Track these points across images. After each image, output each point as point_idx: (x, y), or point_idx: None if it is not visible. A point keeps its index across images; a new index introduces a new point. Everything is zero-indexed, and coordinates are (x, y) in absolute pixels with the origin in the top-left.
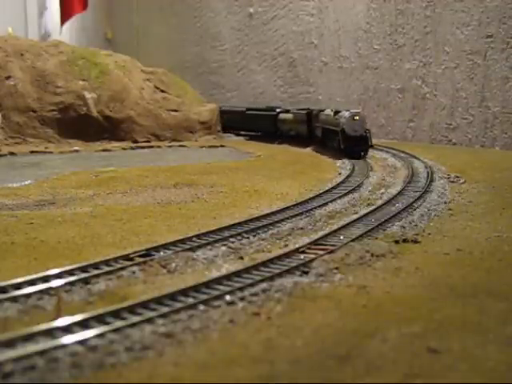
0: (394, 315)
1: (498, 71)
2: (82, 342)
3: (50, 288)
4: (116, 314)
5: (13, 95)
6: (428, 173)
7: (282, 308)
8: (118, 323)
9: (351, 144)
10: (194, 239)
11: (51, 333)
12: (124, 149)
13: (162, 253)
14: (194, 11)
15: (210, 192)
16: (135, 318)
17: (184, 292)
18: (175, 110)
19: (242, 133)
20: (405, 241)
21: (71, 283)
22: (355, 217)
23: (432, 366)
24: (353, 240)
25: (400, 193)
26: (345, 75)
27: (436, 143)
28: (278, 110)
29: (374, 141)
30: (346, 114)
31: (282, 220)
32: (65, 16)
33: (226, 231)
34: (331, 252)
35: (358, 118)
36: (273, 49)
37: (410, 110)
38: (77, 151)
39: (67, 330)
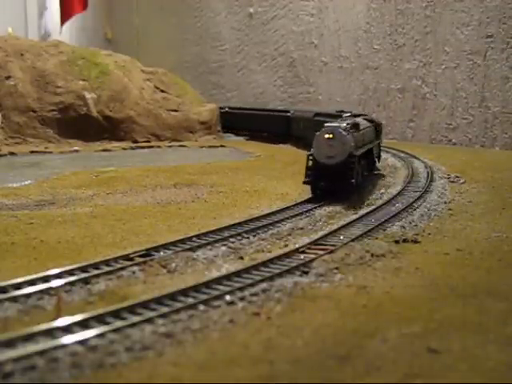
0: (393, 315)
1: (498, 71)
2: (82, 342)
3: (50, 288)
4: (116, 314)
5: (13, 95)
6: (428, 173)
7: (282, 308)
8: (118, 323)
9: (320, 177)
10: (194, 239)
11: (51, 333)
12: (124, 149)
13: (162, 253)
14: (193, 11)
15: (210, 192)
16: (135, 318)
17: (184, 292)
18: (175, 110)
19: (242, 132)
20: (405, 241)
21: (71, 283)
22: (355, 217)
23: (432, 366)
24: (353, 240)
25: (400, 193)
26: (345, 75)
27: (436, 143)
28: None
29: None
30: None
31: (282, 220)
32: (65, 16)
33: (226, 231)
34: (331, 252)
35: (333, 135)
36: (273, 49)
37: (410, 110)
38: (77, 151)
39: (67, 330)
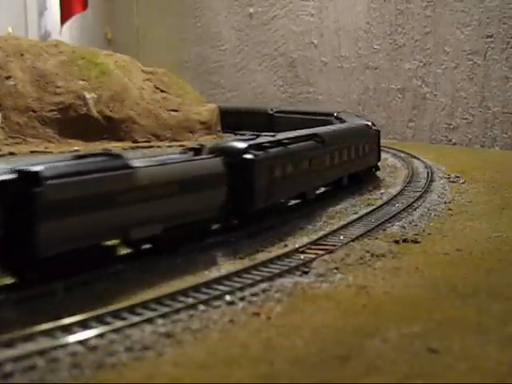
0: (393, 315)
1: (497, 71)
2: (82, 342)
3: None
4: (116, 314)
5: (13, 95)
6: (428, 173)
7: (282, 308)
8: (118, 323)
9: None
10: None
11: (51, 333)
12: (124, 149)
13: None
14: (193, 11)
15: None
16: (135, 318)
17: (184, 292)
18: (175, 110)
19: (243, 132)
20: (405, 241)
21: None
22: (355, 217)
23: (432, 365)
24: (353, 240)
25: (400, 193)
26: (345, 75)
27: (436, 143)
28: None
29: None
30: None
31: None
32: (65, 16)
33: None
34: (331, 252)
35: None
36: (273, 49)
37: (410, 110)
38: (77, 151)
39: (67, 329)
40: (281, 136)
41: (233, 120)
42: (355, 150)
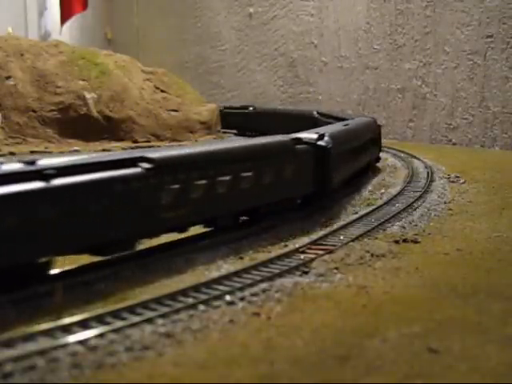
0: (393, 315)
1: (498, 71)
2: (82, 342)
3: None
4: (116, 314)
5: (13, 95)
6: (428, 173)
7: (282, 308)
8: (118, 323)
9: None
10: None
11: (51, 333)
12: (124, 149)
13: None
14: (194, 11)
15: None
16: (135, 318)
17: (184, 292)
18: (175, 110)
19: (242, 132)
20: (405, 241)
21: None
22: (355, 217)
23: (432, 366)
24: (353, 240)
25: (400, 193)
26: (345, 75)
27: (436, 143)
28: None
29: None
30: None
31: (282, 220)
32: (65, 16)
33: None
34: (331, 252)
35: None
36: (273, 49)
37: (410, 110)
38: (77, 151)
39: (67, 330)
40: (53, 162)
41: (276, 122)
42: (254, 178)
